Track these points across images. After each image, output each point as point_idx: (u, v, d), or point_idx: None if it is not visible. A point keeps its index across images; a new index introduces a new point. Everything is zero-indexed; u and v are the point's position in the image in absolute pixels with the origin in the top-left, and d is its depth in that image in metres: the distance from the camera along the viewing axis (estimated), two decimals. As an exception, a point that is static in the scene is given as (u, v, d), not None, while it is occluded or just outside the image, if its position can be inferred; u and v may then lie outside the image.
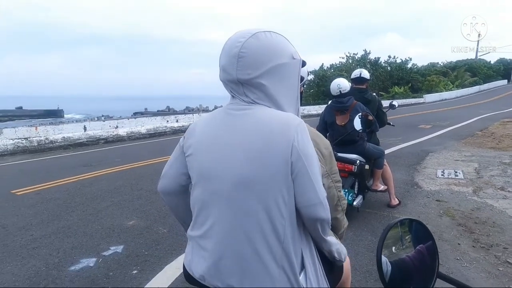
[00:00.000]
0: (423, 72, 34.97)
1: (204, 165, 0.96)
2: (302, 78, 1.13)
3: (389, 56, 33.07)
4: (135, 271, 2.65)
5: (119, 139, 10.59)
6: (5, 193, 4.78)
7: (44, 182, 5.29)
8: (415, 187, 4.64)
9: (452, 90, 31.68)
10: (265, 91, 0.92)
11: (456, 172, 5.24)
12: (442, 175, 5.16)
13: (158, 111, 48.00)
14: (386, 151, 6.63)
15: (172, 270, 2.64)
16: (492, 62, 47.92)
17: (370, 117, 3.07)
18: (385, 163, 3.80)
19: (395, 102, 4.35)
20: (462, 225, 3.32)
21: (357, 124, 3.01)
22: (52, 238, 3.28)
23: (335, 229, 1.29)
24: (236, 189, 0.89)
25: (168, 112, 44.56)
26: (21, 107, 53.26)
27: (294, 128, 0.88)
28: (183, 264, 1.06)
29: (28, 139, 8.91)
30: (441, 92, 30.12)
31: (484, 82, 38.68)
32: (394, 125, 4.45)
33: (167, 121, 12.66)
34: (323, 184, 0.97)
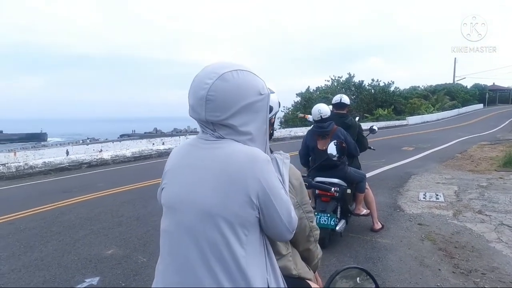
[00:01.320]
0: (406, 95, 36.06)
1: (171, 197, 0.98)
2: (271, 109, 1.15)
3: (373, 79, 34.08)
4: (110, 305, 2.54)
5: (103, 163, 10.40)
6: (-23, 222, 4.58)
7: (19, 211, 5.09)
8: (398, 210, 4.68)
9: (433, 113, 32.69)
10: (234, 129, 0.94)
11: (437, 195, 5.33)
12: (424, 198, 5.23)
13: (145, 133, 47.72)
14: (370, 174, 6.74)
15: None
16: (468, 87, 49.98)
17: (344, 145, 3.15)
18: (367, 186, 3.84)
19: (375, 127, 4.47)
20: (443, 249, 3.35)
21: (332, 150, 3.07)
22: (22, 272, 3.13)
23: (308, 261, 1.28)
24: (200, 220, 0.90)
25: (156, 134, 44.36)
26: (1, 131, 51.72)
27: (261, 163, 0.91)
28: None
29: (6, 165, 8.64)
30: (423, 114, 31.02)
31: (462, 106, 40.15)
32: (374, 149, 4.54)
33: (153, 143, 12.56)
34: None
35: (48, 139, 49.05)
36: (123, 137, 39.14)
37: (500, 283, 2.69)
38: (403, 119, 27.86)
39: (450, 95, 41.55)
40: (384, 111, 29.95)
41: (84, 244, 3.76)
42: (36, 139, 46.13)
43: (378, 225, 3.89)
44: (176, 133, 42.19)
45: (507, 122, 24.49)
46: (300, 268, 1.19)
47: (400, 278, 2.81)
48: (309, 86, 33.69)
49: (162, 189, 1.03)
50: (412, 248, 3.40)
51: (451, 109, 36.75)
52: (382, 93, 32.57)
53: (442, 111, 34.59)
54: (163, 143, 12.85)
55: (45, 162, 9.30)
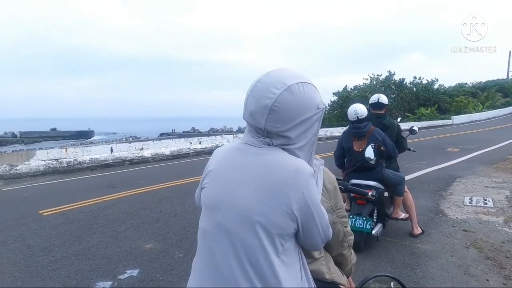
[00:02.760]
0: (451, 93, 33.99)
1: (213, 197, 0.99)
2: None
3: (415, 77, 32.48)
4: (148, 297, 2.66)
5: (143, 161, 10.91)
6: (33, 213, 5.01)
7: (70, 203, 5.50)
8: (440, 215, 4.43)
9: (482, 111, 30.49)
10: (288, 140, 0.94)
11: (486, 200, 4.97)
12: (470, 202, 4.91)
13: (183, 132, 49.30)
14: (410, 176, 6.44)
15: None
16: (525, 82, 45.95)
17: (382, 148, 3.03)
18: (406, 189, 3.68)
19: (415, 127, 4.26)
20: (491, 258, 3.12)
21: (370, 154, 2.97)
22: (72, 260, 3.38)
23: (341, 266, 1.26)
24: (239, 224, 0.91)
25: (193, 133, 45.68)
26: (55, 129, 56.55)
27: (306, 176, 0.91)
28: None
29: (59, 160, 9.37)
30: (471, 113, 29.04)
31: (518, 103, 37.00)
32: (414, 151, 4.33)
33: (190, 142, 12.95)
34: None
35: (95, 136, 52.45)
36: (163, 136, 40.72)
37: (557, 298, 2.46)
38: (448, 119, 26.29)
39: (503, 92, 38.48)
40: (427, 110, 28.47)
41: (126, 237, 3.97)
42: (84, 136, 49.57)
43: (418, 230, 3.71)
44: (213, 132, 43.12)
45: None
46: (333, 272, 1.17)
47: (442, 287, 2.66)
48: (346, 85, 32.91)
49: (202, 188, 1.05)
50: (455, 256, 3.21)
51: (504, 107, 34.01)
52: (424, 91, 30.96)
53: (493, 110, 32.14)
54: (200, 142, 13.20)
55: (92, 158, 9.95)
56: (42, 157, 9.32)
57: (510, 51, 46.26)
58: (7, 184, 7.69)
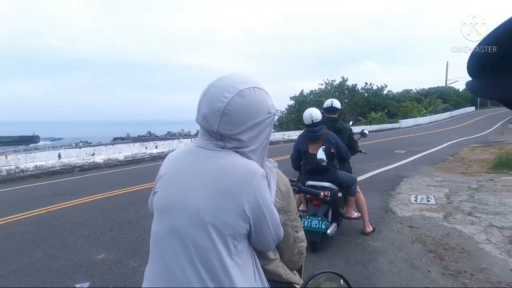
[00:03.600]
0: (398, 98, 36.43)
1: (165, 201, 0.98)
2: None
3: (366, 83, 34.36)
4: (100, 311, 2.52)
5: (95, 167, 10.33)
6: (-34, 227, 4.52)
7: (10, 215, 5.03)
8: (389, 213, 4.72)
9: (425, 116, 33.04)
10: (241, 143, 0.97)
11: (428, 198, 5.38)
12: (415, 200, 5.29)
13: (139, 136, 47.46)
14: (361, 177, 6.79)
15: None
16: (460, 90, 50.69)
17: (333, 150, 3.18)
18: (358, 190, 3.88)
19: (366, 130, 4.51)
20: (433, 251, 3.38)
21: (321, 155, 3.09)
22: (11, 278, 3.10)
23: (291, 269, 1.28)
24: (191, 226, 0.91)
25: (149, 137, 44.15)
26: (-6, 133, 51.32)
27: (258, 178, 0.94)
28: None
29: (-3, 168, 8.54)
30: (416, 117, 31.33)
31: (455, 108, 40.66)
32: (365, 153, 4.58)
33: (146, 147, 12.51)
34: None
35: (41, 141, 48.59)
36: (116, 140, 38.88)
37: (489, 283, 2.73)
38: (396, 122, 28.10)
39: (442, 98, 42.08)
40: (377, 114, 30.18)
41: (75, 249, 3.73)
42: (28, 141, 45.63)
43: (369, 228, 3.92)
44: (170, 136, 42.00)
45: (498, 125, 24.83)
46: (289, 273, 1.20)
47: (391, 281, 2.83)
48: (302, 90, 33.83)
49: (155, 193, 1.04)
50: (402, 251, 3.44)
51: (444, 112, 37.18)
52: (375, 97, 32.84)
53: (435, 114, 34.97)
54: (156, 147, 12.80)
55: (36, 165, 9.21)
56: (-23, 165, 8.44)
57: (447, 62, 50.82)
58: None
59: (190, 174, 0.96)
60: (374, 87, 34.09)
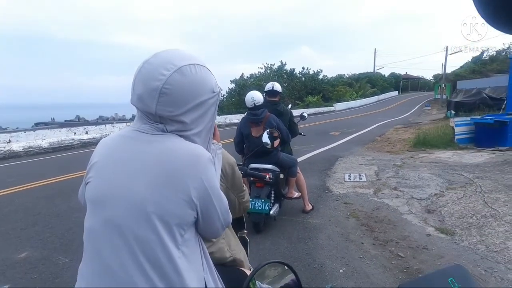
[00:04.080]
0: (333, 83, 38.50)
1: (100, 192, 0.88)
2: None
3: (303, 68, 35.61)
4: (24, 315, 2.27)
5: (13, 155, 9.17)
6: None
7: None
8: (326, 191, 5.00)
9: (356, 100, 35.50)
10: (183, 126, 0.88)
11: (360, 176, 5.82)
12: (349, 178, 5.67)
13: (65, 121, 43.24)
14: (300, 158, 7.07)
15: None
16: (386, 76, 55.41)
17: (276, 133, 3.23)
18: (298, 171, 4.01)
19: (305, 114, 4.66)
20: (365, 224, 3.67)
21: (266, 139, 3.13)
22: None
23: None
24: (131, 218, 0.82)
25: (78, 122, 40.58)
26: None
27: (204, 162, 0.87)
28: None
29: None
30: (348, 101, 33.51)
31: (381, 93, 44.37)
32: (305, 135, 4.74)
33: (75, 133, 11.47)
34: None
35: None
36: (39, 125, 34.99)
37: (410, 249, 3.06)
38: (331, 106, 29.75)
39: (371, 83, 45.53)
40: (313, 98, 31.60)
41: (-9, 249, 3.29)
42: None
43: (309, 207, 4.11)
44: (101, 121, 39.04)
45: (416, 107, 27.80)
46: (233, 248, 1.21)
47: (329, 255, 3.01)
48: (243, 73, 33.89)
49: (87, 183, 0.92)
50: (339, 226, 3.67)
51: (372, 96, 40.32)
52: (311, 81, 34.27)
53: (365, 98, 37.76)
54: (86, 132, 11.80)
55: None
56: None
57: (375, 49, 54.93)
58: None
59: (128, 161, 0.87)
60: (311, 72, 35.50)
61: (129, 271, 0.81)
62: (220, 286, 0.96)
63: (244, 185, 1.29)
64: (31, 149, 9.72)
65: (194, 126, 0.90)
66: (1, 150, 9.08)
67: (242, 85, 30.37)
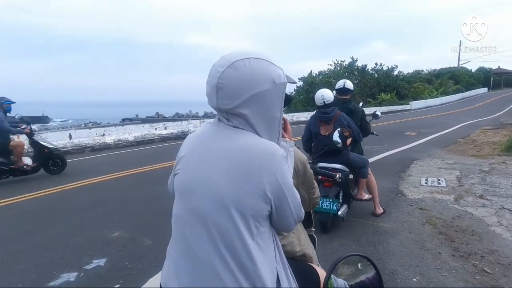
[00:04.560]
0: (409, 80, 35.67)
1: (186, 182, 0.99)
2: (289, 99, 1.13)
3: (376, 64, 33.66)
4: (117, 286, 2.61)
5: (106, 147, 10.46)
6: (-16, 205, 4.66)
7: (25, 194, 5.16)
8: (400, 195, 4.72)
9: (436, 97, 32.39)
10: (246, 119, 0.94)
11: (439, 180, 5.35)
12: (425, 183, 5.26)
13: (147, 117, 47.65)
14: (372, 159, 6.75)
15: (155, 284, 2.61)
16: (473, 71, 49.22)
17: (347, 132, 3.14)
18: (369, 172, 3.86)
19: (378, 112, 4.46)
20: (443, 233, 3.39)
21: (336, 138, 3.08)
22: (31, 253, 3.21)
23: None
24: (213, 208, 0.92)
25: (157, 118, 44.32)
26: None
27: (278, 159, 0.93)
28: (160, 284, 1.06)
29: (11, 147, 8.69)
30: (426, 99, 30.75)
31: (466, 90, 39.68)
32: (377, 135, 4.53)
33: (155, 128, 12.58)
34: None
35: (51, 122, 49.20)
36: (125, 121, 39.11)
37: (499, 265, 2.74)
38: (406, 104, 27.65)
39: (454, 79, 41.02)
40: (387, 95, 29.71)
41: (91, 226, 3.83)
42: (37, 122, 46.23)
43: (379, 210, 3.93)
44: (178, 117, 42.09)
45: (510, 107, 24.27)
46: (303, 243, 1.25)
47: (401, 262, 2.86)
48: (311, 71, 33.33)
49: (175, 174, 1.04)
50: (413, 232, 3.45)
51: (455, 93, 36.37)
52: (385, 78, 32.23)
53: (446, 96, 34.25)
54: (165, 128, 12.86)
55: (48, 146, 9.34)
56: (-9, 144, 8.60)
57: (460, 41, 49.20)
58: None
59: (210, 156, 0.96)
60: (384, 68, 33.41)
61: (209, 254, 0.91)
62: (291, 278, 1.01)
63: (314, 181, 1.32)
64: (120, 142, 10.96)
65: (257, 118, 0.94)
66: (97, 142, 10.42)
67: (311, 83, 29.92)
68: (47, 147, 6.42)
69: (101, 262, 2.99)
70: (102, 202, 4.73)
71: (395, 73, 34.04)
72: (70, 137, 10.09)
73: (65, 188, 5.47)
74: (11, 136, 6.18)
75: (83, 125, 32.73)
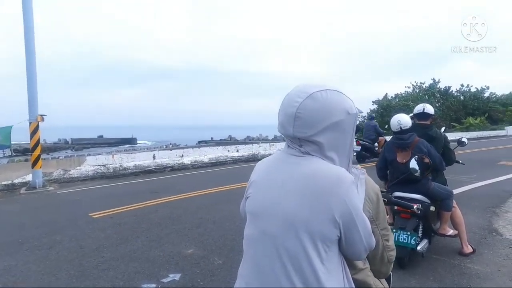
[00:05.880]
0: (504, 102, 31.55)
1: (257, 205, 1.05)
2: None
3: (462, 85, 30.69)
4: (190, 301, 2.74)
5: (183, 167, 11.27)
6: (84, 216, 5.37)
7: (116, 207, 5.82)
8: (494, 233, 4.12)
9: (540, 122, 27.94)
10: (320, 146, 0.98)
11: (546, 219, 4.54)
12: (528, 221, 4.51)
13: (220, 140, 50.36)
14: (457, 191, 6.07)
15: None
16: None
17: (427, 160, 2.90)
18: (455, 204, 3.48)
19: (464, 139, 4.05)
20: (554, 284, 2.85)
21: (414, 165, 2.87)
22: (119, 261, 3.58)
23: (379, 278, 1.25)
24: (283, 231, 0.95)
25: (230, 141, 46.46)
26: (102, 136, 60.48)
27: (347, 184, 0.94)
28: None
29: (106, 165, 9.97)
30: (527, 123, 26.75)
31: None
32: (464, 164, 4.09)
33: (228, 150, 13.20)
34: None
35: (138, 143, 55.30)
36: (201, 143, 41.84)
37: None
38: (501, 129, 24.45)
39: None
40: (476, 119, 26.67)
41: (168, 241, 4.13)
42: (128, 143, 52.34)
43: (468, 249, 3.48)
44: (249, 140, 43.58)
45: None
46: (378, 283, 1.19)
47: (497, 312, 2.48)
48: (387, 93, 31.80)
49: (247, 198, 1.11)
50: (512, 280, 2.97)
51: None
52: (473, 100, 29.11)
53: (554, 120, 29.32)
54: (237, 150, 13.41)
55: (135, 164, 10.47)
56: (92, 162, 9.99)
57: None
58: (61, 187, 8.31)
59: (280, 180, 1.00)
60: (473, 89, 30.24)
61: (277, 275, 0.94)
62: None
63: (388, 227, 1.24)
64: (196, 163, 11.73)
65: (330, 146, 0.97)
66: (176, 163, 11.32)
67: (386, 106, 28.47)
68: None
69: (176, 277, 3.19)
70: (178, 219, 5.08)
71: (486, 94, 30.53)
72: (154, 157, 11.15)
73: (148, 204, 6.02)
74: None
75: (164, 146, 36.00)
